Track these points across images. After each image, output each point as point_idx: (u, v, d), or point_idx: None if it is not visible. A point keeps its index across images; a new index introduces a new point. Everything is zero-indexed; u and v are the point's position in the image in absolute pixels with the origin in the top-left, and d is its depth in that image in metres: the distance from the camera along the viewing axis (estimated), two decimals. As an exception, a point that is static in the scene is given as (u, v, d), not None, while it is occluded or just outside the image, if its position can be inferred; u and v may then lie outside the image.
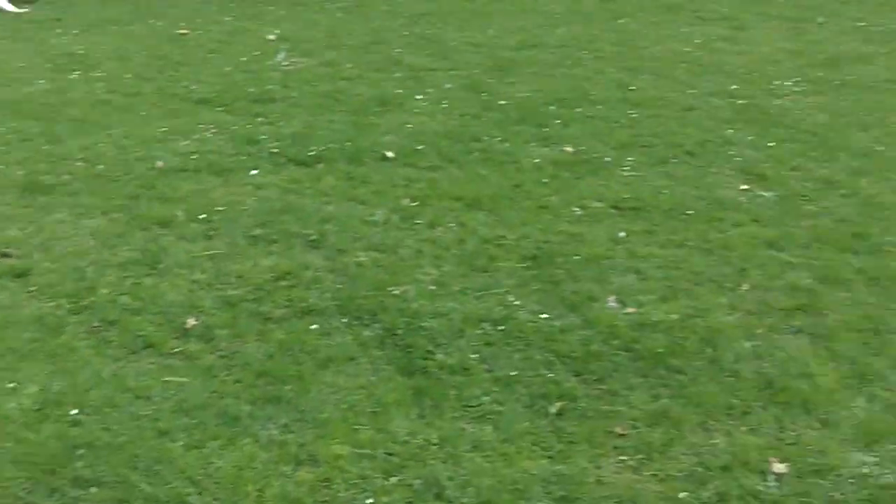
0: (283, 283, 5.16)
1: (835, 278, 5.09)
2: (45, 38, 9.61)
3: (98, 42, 9.47)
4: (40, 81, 8.30)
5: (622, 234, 5.61)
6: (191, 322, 4.78)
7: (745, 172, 6.51)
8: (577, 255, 5.36)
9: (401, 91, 8.31)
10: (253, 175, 6.55)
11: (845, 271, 5.16)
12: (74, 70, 8.62)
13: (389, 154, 6.88)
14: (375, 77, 8.70)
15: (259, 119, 7.59)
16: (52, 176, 6.44)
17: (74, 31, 9.84)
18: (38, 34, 9.71)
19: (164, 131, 7.27)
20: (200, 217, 5.90)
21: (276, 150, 6.95)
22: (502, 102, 8.02)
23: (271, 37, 9.86)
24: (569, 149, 7.00)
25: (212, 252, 5.49)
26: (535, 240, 5.56)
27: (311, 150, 6.94)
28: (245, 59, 9.12)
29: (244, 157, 6.84)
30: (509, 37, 10.10)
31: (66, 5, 10.90)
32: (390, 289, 5.05)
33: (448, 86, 8.46)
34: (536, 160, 6.79)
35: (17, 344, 4.58)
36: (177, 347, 4.58)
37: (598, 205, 6.00)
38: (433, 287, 5.06)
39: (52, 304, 4.94)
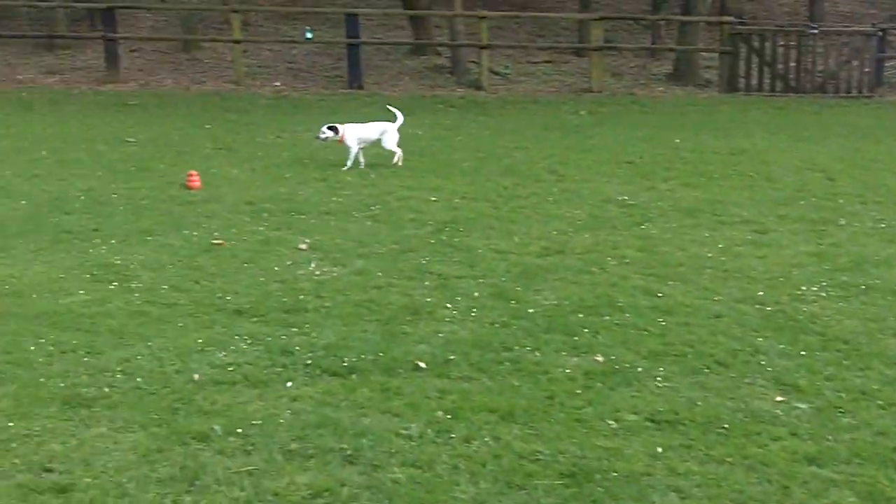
0: (320, 500, 5.21)
1: (880, 496, 5.08)
2: (84, 248, 9.87)
3: (135, 252, 9.73)
4: (80, 292, 8.51)
5: (659, 449, 5.63)
6: (231, 542, 4.80)
7: (779, 382, 6.58)
8: (615, 471, 5.38)
9: (431, 299, 8.47)
10: (288, 387, 6.65)
11: (890, 490, 5.15)
12: (112, 281, 8.84)
13: (422, 364, 6.99)
14: (406, 285, 8.88)
15: (293, 329, 7.73)
16: (92, 389, 6.55)
17: (112, 242, 10.12)
18: (77, 245, 9.98)
19: (201, 342, 7.41)
20: (238, 431, 5.97)
21: (310, 362, 7.06)
22: (531, 310, 8.17)
23: (302, 246, 10.10)
24: (599, 358, 7.10)
25: (249, 468, 5.54)
26: (572, 455, 5.60)
27: (345, 361, 7.05)
28: (278, 268, 9.33)
29: (279, 369, 6.95)
30: (534, 243, 10.33)
31: (104, 215, 11.22)
32: (428, 507, 5.07)
33: (476, 294, 8.63)
34: (568, 370, 6.88)
35: (59, 566, 4.59)
36: (217, 569, 4.58)
37: (633, 417, 6.05)
38: (471, 505, 5.08)
39: (93, 522, 4.97)
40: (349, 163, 14.22)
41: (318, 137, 14.35)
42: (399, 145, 14.48)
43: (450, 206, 12.00)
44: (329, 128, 14.23)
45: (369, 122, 14.96)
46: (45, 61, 25.25)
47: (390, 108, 14.90)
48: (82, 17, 27.70)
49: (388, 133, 14.44)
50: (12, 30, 26.41)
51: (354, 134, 14.31)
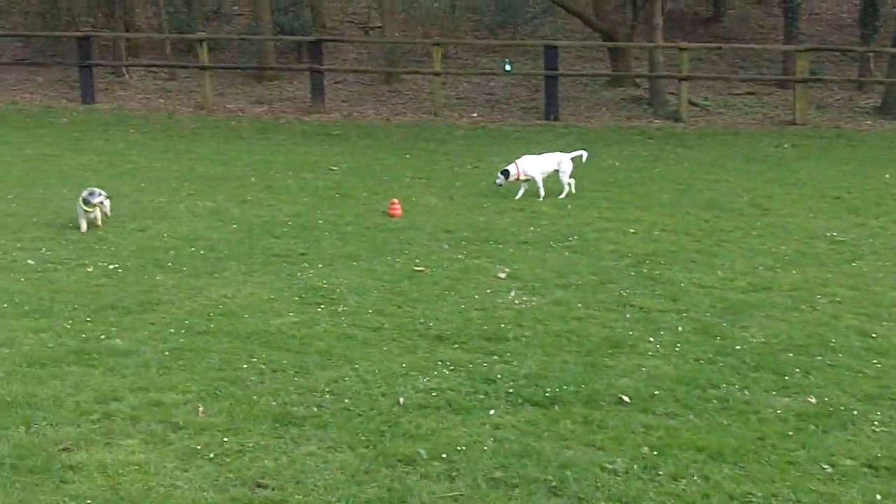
0: (527, 530, 5.19)
1: None
2: (293, 271, 10.20)
3: (340, 277, 9.99)
4: (289, 314, 8.78)
5: (878, 496, 5.41)
6: (438, 567, 4.85)
7: None
8: (830, 517, 5.20)
9: (633, 333, 8.39)
10: (491, 415, 6.69)
11: None
12: (320, 304, 9.10)
13: (626, 398, 6.92)
14: (606, 317, 8.82)
15: (494, 357, 7.78)
16: (302, 408, 6.75)
17: (319, 266, 10.42)
18: (286, 268, 10.31)
19: (405, 367, 7.54)
20: (442, 456, 6.05)
21: (511, 390, 7.09)
22: (738, 347, 7.99)
23: (502, 275, 10.16)
24: (812, 399, 6.89)
25: (454, 494, 5.59)
26: (785, 498, 5.46)
27: (547, 392, 7.05)
28: (478, 296, 9.42)
29: (482, 396, 7.00)
30: (739, 278, 10.11)
31: (311, 240, 11.57)
32: (636, 543, 5.01)
33: (680, 328, 8.51)
34: (779, 411, 6.71)
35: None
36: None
37: (850, 462, 5.84)
38: (680, 544, 4.99)
39: (305, 539, 5.10)
40: (542, 192, 14.33)
41: (496, 183, 14.47)
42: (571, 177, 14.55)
43: (649, 239, 11.88)
44: (502, 173, 14.33)
45: (545, 153, 15.06)
46: (254, 91, 26.25)
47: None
48: (290, 50, 28.70)
49: (563, 163, 14.49)
50: (224, 61, 27.57)
51: (536, 166, 14.41)
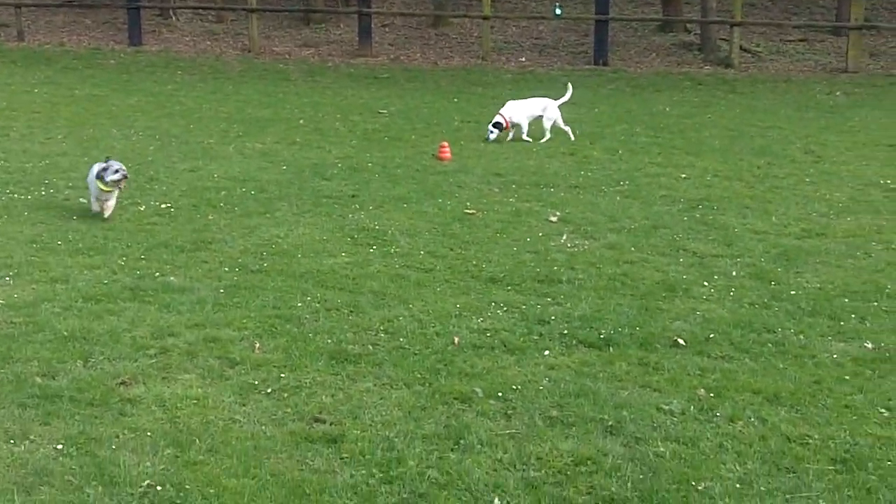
0: (583, 468, 5.21)
1: None
2: (344, 213, 10.21)
3: (391, 219, 9.99)
4: (342, 254, 8.81)
5: (938, 440, 5.38)
6: (496, 501, 4.88)
7: None
8: (889, 460, 5.17)
9: (687, 277, 8.34)
10: (545, 355, 6.69)
11: None
12: (371, 245, 9.11)
13: (681, 341, 6.89)
14: (660, 261, 8.78)
15: (547, 299, 7.77)
16: (357, 346, 6.78)
17: (370, 208, 10.43)
18: (337, 209, 10.33)
19: (459, 307, 7.54)
20: (498, 395, 6.06)
21: (566, 332, 7.08)
22: (793, 293, 7.93)
23: (553, 219, 10.12)
24: (868, 345, 6.83)
25: (511, 431, 5.61)
26: (843, 441, 5.42)
27: (602, 333, 7.03)
28: (530, 239, 9.39)
29: (536, 337, 7.00)
30: (793, 225, 10.01)
31: (361, 182, 11.56)
32: (693, 483, 5.01)
33: (734, 273, 8.45)
34: (835, 355, 6.66)
35: (335, 511, 4.78)
36: (485, 527, 4.68)
37: (908, 407, 5.80)
38: (738, 486, 4.99)
39: (363, 472, 5.15)
40: (524, 136, 14.24)
41: (487, 139, 14.15)
42: (566, 123, 14.40)
43: (702, 184, 11.78)
44: (494, 126, 14.10)
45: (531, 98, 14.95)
46: (301, 34, 26.20)
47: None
48: (337, -8, 28.63)
49: (549, 109, 14.32)
50: (272, 4, 27.51)
51: (521, 111, 14.24)
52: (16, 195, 10.55)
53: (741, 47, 23.18)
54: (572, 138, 14.29)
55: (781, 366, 6.49)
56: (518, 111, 14.24)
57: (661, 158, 13.27)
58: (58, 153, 12.74)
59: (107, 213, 9.71)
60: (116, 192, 9.71)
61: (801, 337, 7.00)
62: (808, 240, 9.50)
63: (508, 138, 14.18)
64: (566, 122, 14.38)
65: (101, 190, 9.56)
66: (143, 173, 11.69)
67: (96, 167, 9.65)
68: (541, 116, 14.32)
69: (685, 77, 21.61)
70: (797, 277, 8.34)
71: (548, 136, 14.27)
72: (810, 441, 5.45)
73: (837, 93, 19.62)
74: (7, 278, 7.96)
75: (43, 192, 10.71)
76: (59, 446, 5.30)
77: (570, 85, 15.01)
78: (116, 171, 9.48)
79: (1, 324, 7.00)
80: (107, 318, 7.13)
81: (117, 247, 8.83)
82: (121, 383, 6.10)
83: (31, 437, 5.40)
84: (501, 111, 14.25)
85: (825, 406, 5.90)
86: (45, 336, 6.76)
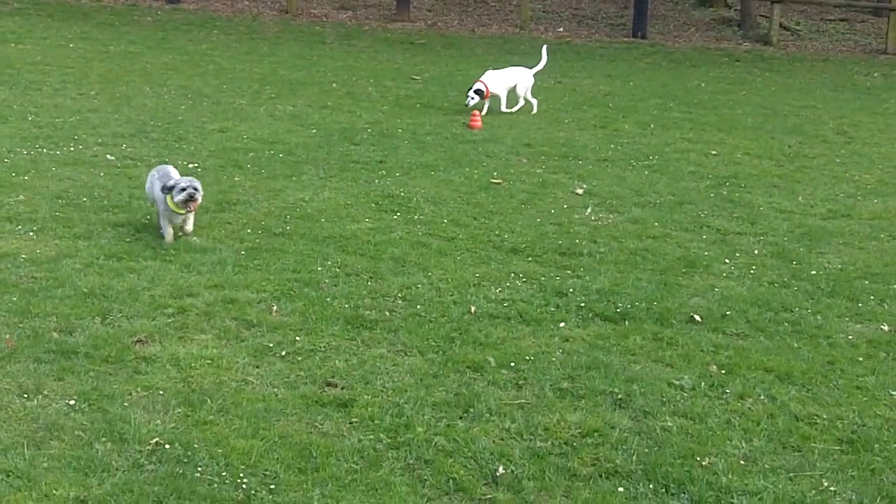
0: (590, 440, 5.24)
1: None
2: (370, 178, 10.24)
3: (417, 186, 10.01)
4: (365, 220, 8.84)
5: (947, 425, 5.37)
6: (500, 470, 4.91)
7: None
8: (895, 443, 5.17)
9: (708, 253, 8.32)
10: (561, 327, 6.71)
11: None
12: (396, 211, 9.14)
13: (697, 317, 6.89)
14: (682, 237, 8.76)
15: (567, 272, 7.77)
16: (374, 312, 6.82)
17: (396, 174, 10.44)
18: (363, 175, 10.35)
19: (478, 276, 7.57)
20: (511, 365, 6.09)
21: (583, 304, 7.09)
22: (813, 272, 7.90)
23: (579, 191, 10.11)
24: (885, 327, 6.81)
25: (521, 401, 5.64)
26: (851, 422, 5.42)
27: (618, 307, 7.04)
28: (554, 211, 9.39)
29: (553, 309, 7.02)
30: (819, 205, 9.95)
31: (389, 148, 11.58)
32: (698, 458, 5.03)
33: (756, 251, 8.42)
34: (850, 336, 6.64)
35: (340, 473, 4.84)
36: (487, 494, 4.72)
37: (920, 391, 5.78)
38: (743, 462, 5.00)
39: (371, 436, 5.20)
40: (531, 105, 14.12)
41: (467, 104, 13.73)
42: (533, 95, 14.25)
43: (731, 161, 11.71)
44: (476, 92, 13.72)
45: (509, 67, 14.75)
46: (337, -2, 26.22)
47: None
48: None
49: (524, 78, 14.12)
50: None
51: (500, 82, 13.96)
52: (45, 150, 10.63)
53: (781, 25, 22.96)
54: (534, 111, 14.15)
55: (796, 345, 6.48)
56: (497, 81, 13.98)
57: (693, 134, 13.20)
58: (89, 109, 12.82)
59: (189, 226, 7.99)
60: (191, 217, 7.97)
61: (818, 317, 6.98)
62: (832, 220, 9.44)
63: (484, 110, 13.91)
64: (534, 95, 14.25)
65: (173, 211, 7.80)
66: (172, 132, 11.76)
67: (156, 178, 8.04)
68: (515, 85, 14.12)
69: (723, 53, 21.43)
70: (819, 258, 8.30)
71: (521, 102, 14.17)
72: (818, 421, 5.45)
73: (875, 74, 19.41)
74: (31, 233, 8.05)
75: (72, 148, 10.79)
76: (72, 402, 5.38)
77: (545, 51, 14.78)
78: (183, 190, 7.68)
79: (22, 278, 7.09)
80: (127, 276, 7.20)
81: (142, 205, 8.89)
82: (137, 341, 6.17)
83: (45, 391, 5.49)
84: (482, 79, 13.99)
85: (836, 386, 5.90)
86: (64, 292, 6.84)
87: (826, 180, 10.98)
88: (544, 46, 15.03)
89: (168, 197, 7.73)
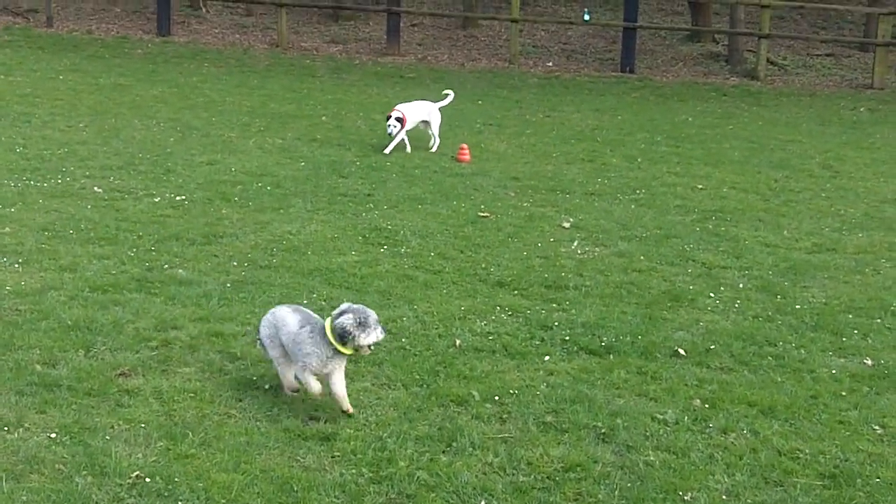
0: (573, 474, 5.25)
1: None
2: (358, 211, 10.26)
3: (404, 219, 10.03)
4: (352, 253, 8.86)
5: (928, 460, 5.38)
6: (482, 504, 4.91)
7: None
8: (878, 477, 5.19)
9: (693, 287, 8.35)
10: (546, 361, 6.72)
11: None
12: (383, 244, 9.15)
13: (681, 351, 6.91)
14: (668, 271, 8.78)
15: (553, 305, 7.79)
16: (357, 345, 6.81)
17: (384, 207, 10.47)
18: (351, 208, 10.38)
19: (464, 310, 7.58)
20: (495, 398, 6.10)
21: (568, 338, 7.10)
22: (798, 307, 7.92)
23: (566, 225, 10.14)
24: (868, 361, 6.84)
25: (504, 435, 5.64)
26: (833, 457, 5.43)
27: (603, 341, 7.05)
28: (541, 244, 9.41)
29: (538, 342, 7.03)
30: (804, 239, 9.99)
31: (378, 181, 11.61)
32: (681, 493, 5.03)
33: (741, 285, 8.45)
34: (834, 371, 6.66)
35: (321, 508, 4.83)
36: (469, 529, 4.71)
37: (901, 426, 5.79)
38: (725, 497, 5.01)
39: (353, 471, 5.20)
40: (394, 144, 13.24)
41: (389, 132, 13.11)
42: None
43: (717, 195, 11.76)
44: (397, 119, 13.03)
45: (414, 101, 14.13)
46: (330, 31, 26.28)
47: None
48: (367, -9, 28.72)
49: (433, 113, 13.60)
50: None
51: (411, 114, 13.32)
52: (32, 182, 10.64)
53: (768, 60, 23.09)
54: (434, 149, 13.61)
55: (779, 379, 6.50)
56: (410, 113, 13.36)
57: (680, 168, 13.26)
58: (77, 141, 12.84)
59: (340, 392, 5.87)
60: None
61: (802, 351, 7.00)
62: (817, 254, 9.48)
63: (390, 148, 13.27)
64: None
65: (339, 351, 5.77)
66: (160, 165, 11.78)
67: (288, 319, 5.97)
68: (426, 122, 13.60)
69: (711, 87, 21.55)
70: (803, 292, 8.33)
71: (436, 141, 13.67)
72: (801, 455, 5.46)
73: (861, 108, 19.52)
74: (16, 265, 8.05)
75: (59, 180, 10.80)
76: (53, 435, 5.37)
77: (450, 92, 14.17)
78: (376, 328, 5.77)
79: (6, 310, 7.08)
80: (112, 309, 7.20)
81: (128, 237, 8.90)
82: (120, 374, 6.16)
83: (26, 424, 5.47)
84: (397, 108, 13.37)
85: (819, 421, 5.91)
86: (48, 324, 6.83)
87: (811, 214, 11.03)
88: (449, 92, 14.23)
89: (332, 336, 5.73)
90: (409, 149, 13.42)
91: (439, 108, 13.82)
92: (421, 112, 13.61)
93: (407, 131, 13.37)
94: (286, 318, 5.96)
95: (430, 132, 13.74)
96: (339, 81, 20.17)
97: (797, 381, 6.48)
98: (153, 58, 21.43)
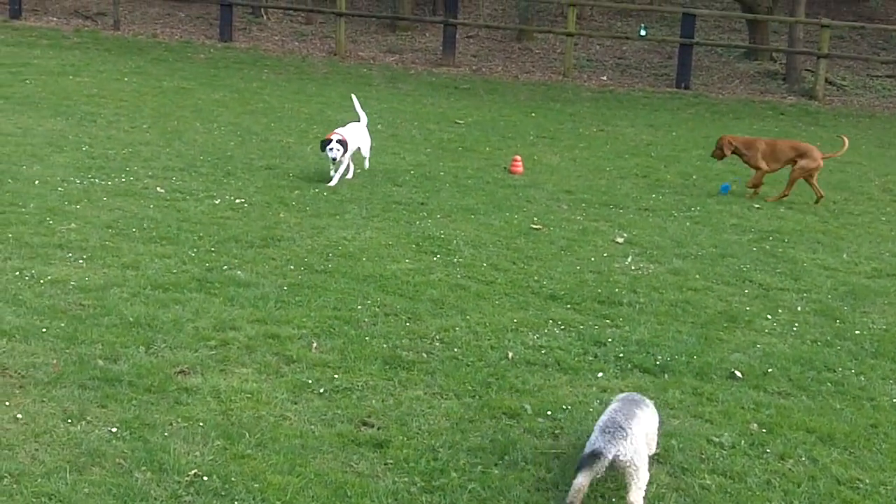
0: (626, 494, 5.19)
1: None
2: (411, 220, 10.28)
3: (457, 228, 10.04)
4: (406, 260, 8.88)
5: None
6: (536, 519, 4.89)
7: None
8: (939, 509, 5.09)
9: (750, 308, 8.27)
10: (599, 377, 6.68)
11: None
12: (436, 253, 9.17)
13: (738, 373, 6.84)
14: (724, 291, 8.71)
15: (606, 321, 7.75)
16: (411, 353, 6.83)
17: (437, 216, 10.48)
18: (405, 216, 10.40)
19: (516, 322, 7.56)
20: (547, 413, 6.07)
21: (622, 355, 7.06)
22: (857, 332, 7.83)
23: (619, 240, 10.10)
24: (929, 391, 6.73)
25: (557, 451, 5.62)
26: (894, 487, 5.34)
27: (658, 360, 7.00)
28: (594, 259, 9.37)
29: (591, 358, 7.00)
30: (864, 263, 9.87)
31: (431, 191, 11.63)
32: (736, 516, 4.98)
33: (799, 308, 8.36)
34: (894, 399, 6.56)
35: (374, 515, 4.83)
36: (522, 543, 4.69)
37: (965, 458, 5.70)
38: (782, 522, 4.95)
39: (406, 479, 5.20)
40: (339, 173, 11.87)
41: (334, 159, 11.62)
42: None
43: (774, 216, 11.66)
44: (341, 144, 11.57)
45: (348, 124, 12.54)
46: (387, 41, 26.39)
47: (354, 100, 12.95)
48: (425, 2, 28.79)
49: (365, 136, 12.40)
50: (360, 9, 27.78)
51: (352, 137, 11.95)
52: (97, 180, 10.79)
53: (827, 80, 22.88)
54: (366, 166, 12.44)
55: (838, 406, 6.42)
56: (349, 136, 11.87)
57: (736, 187, 13.16)
58: (141, 142, 12.99)
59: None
60: None
61: (862, 378, 6.92)
62: (878, 279, 9.36)
63: (366, 164, 12.48)
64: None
65: None
66: (221, 168, 11.88)
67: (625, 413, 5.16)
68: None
69: (767, 106, 21.38)
70: (863, 317, 8.23)
71: (367, 164, 12.48)
72: (861, 485, 5.38)
73: (922, 132, 19.29)
74: (81, 261, 8.15)
75: (123, 179, 10.93)
76: (114, 429, 5.43)
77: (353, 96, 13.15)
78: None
79: (70, 305, 7.18)
80: (172, 307, 7.27)
81: (189, 238, 8.98)
82: (179, 372, 6.22)
83: (88, 417, 5.54)
84: (337, 131, 11.96)
85: (879, 450, 5.83)
86: (111, 320, 6.92)
87: (871, 238, 10.90)
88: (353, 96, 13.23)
89: None
90: (351, 174, 12.14)
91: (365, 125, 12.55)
92: (359, 134, 12.27)
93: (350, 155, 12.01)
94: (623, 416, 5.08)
95: (364, 156, 12.45)
96: (394, 91, 20.24)
97: (857, 408, 6.40)
98: (215, 63, 21.63)
